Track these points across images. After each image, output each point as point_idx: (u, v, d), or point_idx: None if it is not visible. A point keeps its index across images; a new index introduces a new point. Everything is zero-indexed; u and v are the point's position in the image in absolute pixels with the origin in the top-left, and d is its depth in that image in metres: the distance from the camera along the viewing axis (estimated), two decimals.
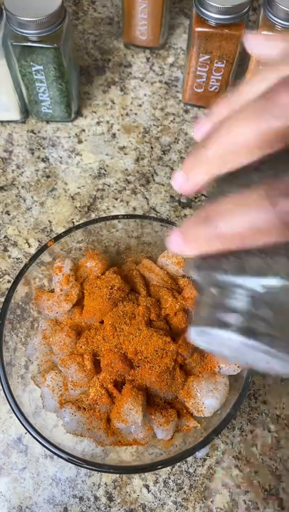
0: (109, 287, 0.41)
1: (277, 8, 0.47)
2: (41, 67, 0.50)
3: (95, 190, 0.56)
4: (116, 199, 0.55)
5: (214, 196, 0.22)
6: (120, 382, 0.39)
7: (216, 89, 0.57)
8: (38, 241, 0.52)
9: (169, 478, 0.42)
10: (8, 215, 0.54)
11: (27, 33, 0.47)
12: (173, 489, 0.42)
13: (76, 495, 0.41)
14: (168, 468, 0.42)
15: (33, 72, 0.51)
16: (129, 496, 0.41)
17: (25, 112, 0.58)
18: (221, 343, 0.23)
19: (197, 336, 0.23)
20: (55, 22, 0.47)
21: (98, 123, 0.60)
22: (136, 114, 0.61)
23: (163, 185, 0.56)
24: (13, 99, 0.55)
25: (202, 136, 0.24)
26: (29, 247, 0.52)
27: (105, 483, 0.42)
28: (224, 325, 0.21)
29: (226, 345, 0.22)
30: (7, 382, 0.38)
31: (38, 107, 0.56)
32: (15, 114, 0.57)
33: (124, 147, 0.58)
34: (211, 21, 0.49)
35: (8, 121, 0.59)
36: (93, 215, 0.54)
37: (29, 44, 0.48)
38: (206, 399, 0.38)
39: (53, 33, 0.47)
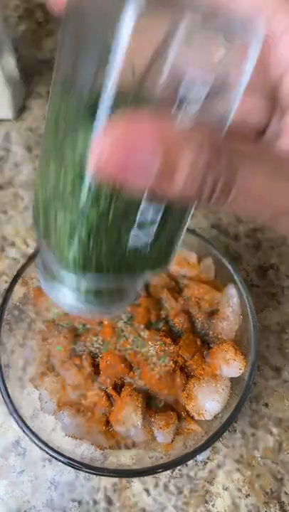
0: None
1: None
2: None
3: None
4: None
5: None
6: (119, 384, 0.39)
7: None
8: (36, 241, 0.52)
9: (170, 481, 0.41)
10: (6, 214, 0.53)
11: None
12: (173, 493, 0.41)
13: (75, 499, 0.41)
14: (168, 471, 0.42)
15: None
16: (129, 499, 0.41)
17: (18, 109, 0.58)
18: None
19: None
20: None
21: None
22: None
23: None
24: (6, 96, 0.54)
25: None
26: (27, 247, 0.51)
27: (105, 487, 0.41)
28: None
29: None
30: (4, 385, 0.37)
31: None
32: (7, 112, 0.57)
33: None
34: None
35: (1, 120, 0.58)
36: None
37: None
38: (207, 402, 0.38)
39: None
